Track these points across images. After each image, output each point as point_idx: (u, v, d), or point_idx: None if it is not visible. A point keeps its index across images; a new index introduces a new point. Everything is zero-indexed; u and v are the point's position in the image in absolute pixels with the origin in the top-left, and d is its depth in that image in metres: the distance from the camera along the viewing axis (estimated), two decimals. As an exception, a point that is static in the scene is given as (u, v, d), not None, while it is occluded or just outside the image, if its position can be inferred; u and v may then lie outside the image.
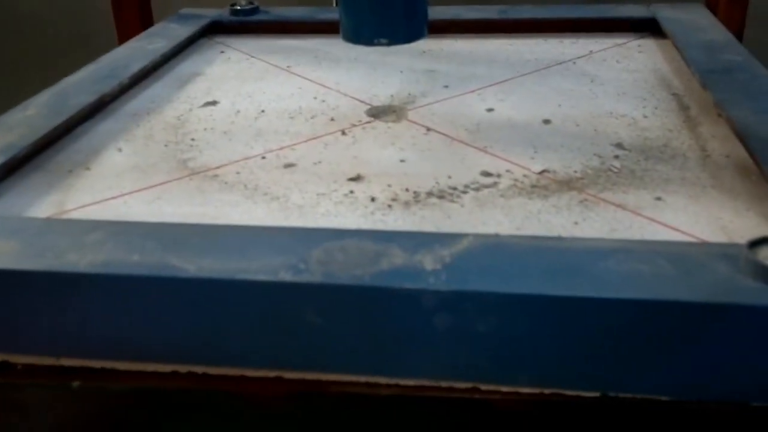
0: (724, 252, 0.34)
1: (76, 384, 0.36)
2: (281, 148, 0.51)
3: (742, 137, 0.47)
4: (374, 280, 0.33)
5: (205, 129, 0.55)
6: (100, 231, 0.37)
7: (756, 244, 0.33)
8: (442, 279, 0.32)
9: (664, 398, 0.33)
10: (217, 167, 0.48)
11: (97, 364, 0.36)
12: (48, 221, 0.40)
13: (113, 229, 0.37)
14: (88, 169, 0.48)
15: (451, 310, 0.32)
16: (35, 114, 0.53)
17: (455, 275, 0.33)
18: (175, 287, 0.33)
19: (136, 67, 0.64)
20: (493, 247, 0.35)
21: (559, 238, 0.36)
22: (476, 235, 0.36)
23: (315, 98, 0.60)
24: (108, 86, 0.59)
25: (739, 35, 0.78)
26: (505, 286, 0.32)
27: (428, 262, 0.34)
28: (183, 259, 0.34)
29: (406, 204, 0.43)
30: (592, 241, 0.36)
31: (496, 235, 0.37)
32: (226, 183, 0.46)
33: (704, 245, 0.36)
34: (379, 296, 0.33)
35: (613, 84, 0.61)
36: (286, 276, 0.33)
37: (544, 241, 0.35)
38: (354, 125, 0.55)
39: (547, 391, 0.34)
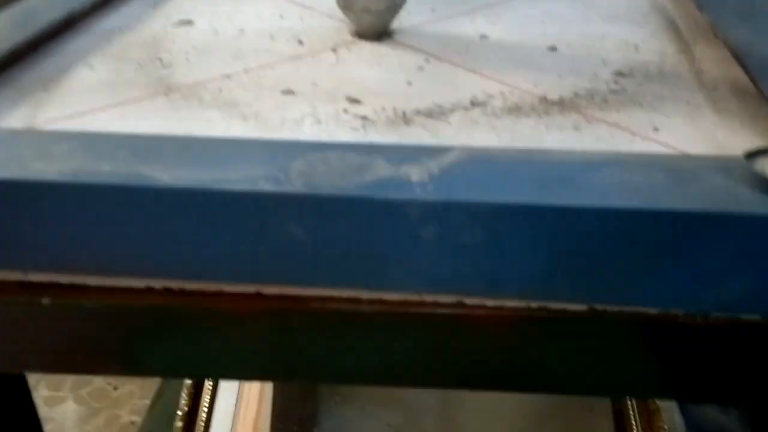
0: (720, 163, 0.33)
1: (46, 301, 0.35)
2: (262, 68, 0.49)
3: (739, 57, 0.46)
4: (358, 191, 0.31)
5: (181, 48, 0.52)
6: (68, 141, 0.35)
7: (753, 155, 0.32)
8: (429, 190, 0.31)
9: (652, 311, 0.32)
10: (195, 85, 0.46)
11: (66, 279, 0.35)
12: (13, 132, 0.38)
13: (83, 140, 0.35)
14: (57, 85, 0.46)
15: (438, 221, 0.31)
16: (0, 29, 0.50)
17: (442, 186, 0.31)
18: (149, 197, 0.32)
19: (108, -14, 0.61)
20: (482, 160, 0.33)
21: (551, 151, 0.34)
22: (464, 148, 0.34)
23: (297, 18, 0.58)
24: (78, 2, 0.56)
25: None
26: (494, 196, 0.31)
27: (414, 173, 0.32)
28: (157, 169, 0.32)
29: (392, 123, 0.41)
30: (584, 153, 0.34)
31: (486, 148, 0.35)
32: (204, 100, 0.44)
33: (700, 157, 0.35)
34: (363, 207, 0.31)
35: (606, 7, 0.59)
36: (266, 186, 0.31)
37: (535, 153, 0.34)
38: (338, 45, 0.52)
39: (533, 304, 0.33)
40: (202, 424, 0.75)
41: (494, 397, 0.83)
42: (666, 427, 0.66)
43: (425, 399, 0.86)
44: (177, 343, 0.36)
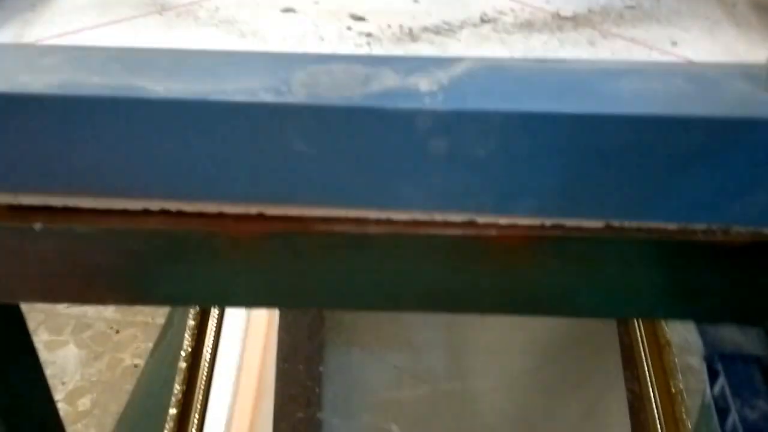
0: (744, 71, 0.31)
1: (38, 225, 0.33)
2: (259, -12, 0.46)
3: (761, -30, 0.43)
4: (364, 101, 0.29)
5: (174, -30, 0.50)
6: (57, 55, 0.33)
7: (781, 61, 0.30)
8: (439, 99, 0.29)
9: (671, 226, 0.31)
10: (190, 3, 0.44)
11: (58, 201, 0.33)
12: (-2, 48, 0.36)
13: (72, 53, 0.33)
14: (45, 5, 0.44)
15: (448, 132, 0.29)
16: (-16, -48, 0.48)
17: (453, 96, 0.30)
18: (142, 110, 0.30)
19: None
20: (495, 69, 0.32)
21: (567, 61, 0.33)
22: (476, 58, 0.32)
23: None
24: (65, -75, 0.53)
25: None
26: (507, 105, 0.29)
27: (424, 84, 0.30)
28: (150, 81, 0.30)
29: (398, 40, 0.39)
30: (602, 62, 0.32)
31: (498, 58, 0.33)
32: (199, 19, 0.42)
33: (722, 65, 0.33)
34: (370, 118, 0.30)
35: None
36: (267, 97, 0.30)
37: (550, 63, 0.32)
38: (338, -34, 0.50)
39: (547, 222, 0.31)
40: (207, 364, 0.75)
41: (500, 336, 0.83)
42: (676, 360, 0.66)
43: (431, 339, 0.85)
44: (177, 270, 0.35)
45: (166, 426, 0.70)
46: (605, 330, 0.72)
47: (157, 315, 0.98)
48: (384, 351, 0.85)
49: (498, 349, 0.83)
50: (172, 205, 0.33)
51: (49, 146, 0.31)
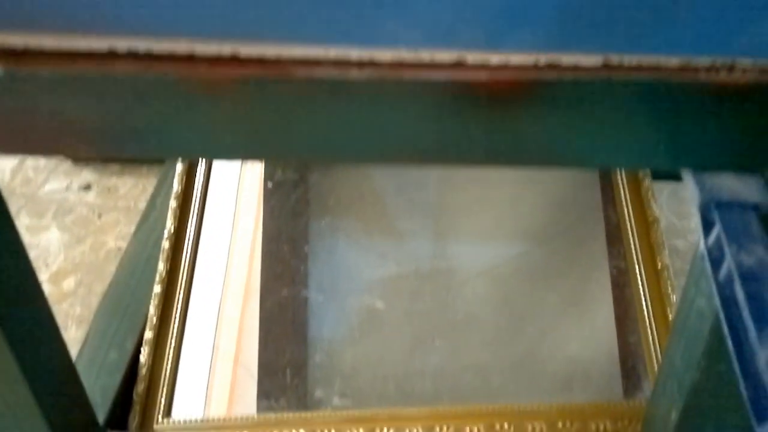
0: None
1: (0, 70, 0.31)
2: None
3: None
4: None
5: None
6: None
7: None
8: None
9: (672, 62, 0.29)
10: None
11: (19, 41, 0.31)
12: None
13: None
14: None
15: (437, -44, 0.27)
16: None
17: None
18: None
19: None
20: None
21: None
22: None
23: None
24: None
25: None
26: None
27: None
28: None
29: None
30: None
31: None
32: None
33: None
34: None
35: None
36: None
37: None
38: None
39: (542, 59, 0.29)
40: (191, 244, 0.74)
41: (487, 223, 0.82)
42: (664, 237, 0.66)
43: (417, 227, 0.85)
44: (148, 119, 0.33)
45: (152, 303, 0.70)
46: (593, 213, 0.72)
47: (140, 200, 0.97)
48: (369, 238, 0.84)
49: (484, 236, 0.82)
50: (140, 44, 0.31)
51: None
